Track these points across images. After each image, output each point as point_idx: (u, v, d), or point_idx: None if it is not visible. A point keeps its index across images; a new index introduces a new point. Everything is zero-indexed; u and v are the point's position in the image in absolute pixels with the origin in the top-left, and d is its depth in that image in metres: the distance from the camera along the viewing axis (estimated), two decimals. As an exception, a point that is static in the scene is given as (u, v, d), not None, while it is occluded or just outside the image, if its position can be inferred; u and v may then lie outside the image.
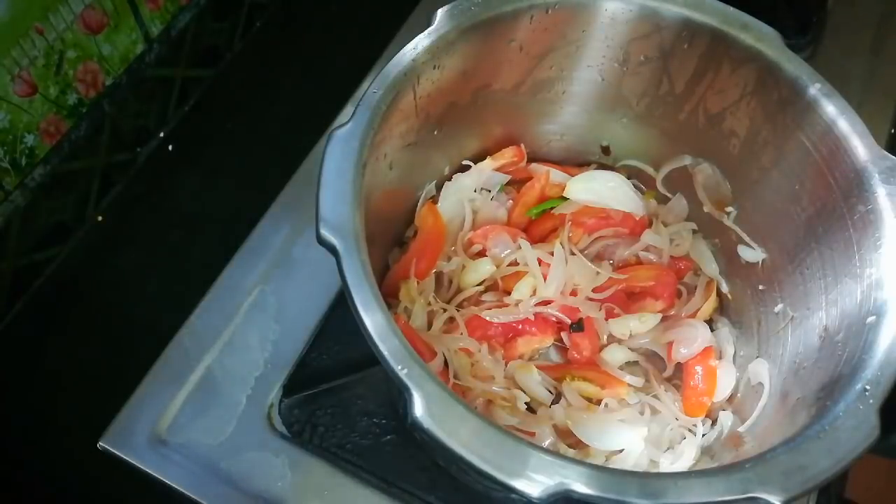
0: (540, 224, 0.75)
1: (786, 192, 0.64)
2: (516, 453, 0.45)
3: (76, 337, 0.78)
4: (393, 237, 0.73)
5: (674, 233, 0.75)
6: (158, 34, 0.85)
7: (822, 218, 0.60)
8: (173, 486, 0.66)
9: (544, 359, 0.71)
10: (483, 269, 0.70)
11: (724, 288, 0.74)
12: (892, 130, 0.90)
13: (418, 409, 0.45)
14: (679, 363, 0.70)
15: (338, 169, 0.53)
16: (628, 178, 0.76)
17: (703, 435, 0.66)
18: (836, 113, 0.58)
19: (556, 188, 0.75)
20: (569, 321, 0.69)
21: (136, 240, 0.84)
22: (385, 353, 0.47)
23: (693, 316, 0.71)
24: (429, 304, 0.69)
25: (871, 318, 0.53)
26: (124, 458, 0.67)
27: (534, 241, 0.73)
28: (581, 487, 0.44)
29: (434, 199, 0.73)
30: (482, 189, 0.75)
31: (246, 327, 0.73)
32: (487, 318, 0.68)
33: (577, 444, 0.65)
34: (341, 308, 0.74)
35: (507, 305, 0.69)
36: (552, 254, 0.70)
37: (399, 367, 0.46)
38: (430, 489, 0.66)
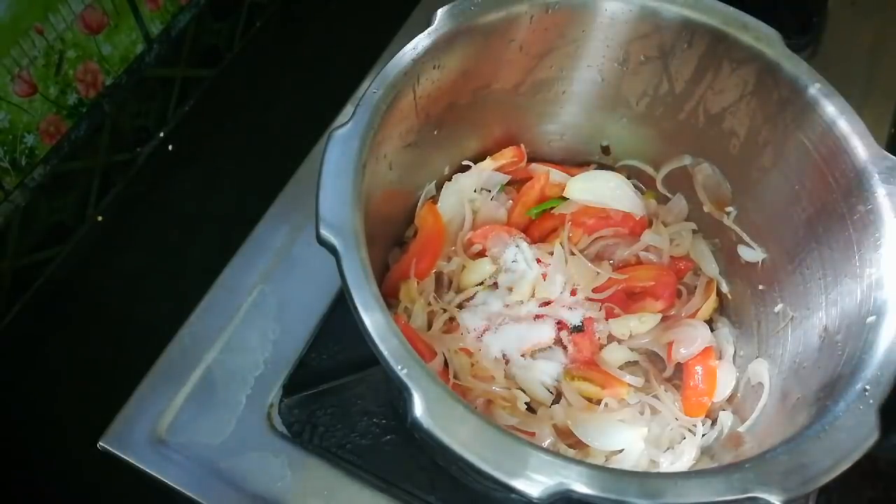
0: (540, 224, 0.75)
1: (786, 192, 0.64)
2: (516, 453, 0.45)
3: (76, 337, 0.78)
4: (393, 237, 0.73)
5: (674, 233, 0.75)
6: (158, 34, 0.85)
7: (822, 218, 0.60)
8: (173, 486, 0.66)
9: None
10: (483, 269, 0.70)
11: (724, 288, 0.74)
12: (892, 130, 0.90)
13: (418, 409, 0.45)
14: (679, 363, 0.70)
15: (337, 169, 0.53)
16: (628, 178, 0.76)
17: (703, 435, 0.66)
18: (835, 113, 0.58)
19: (556, 188, 0.75)
20: (569, 321, 0.69)
21: (136, 240, 0.84)
22: (385, 353, 0.47)
23: (693, 316, 0.71)
24: (429, 304, 0.69)
25: (871, 318, 0.53)
26: (124, 458, 0.67)
27: (534, 241, 0.73)
28: (581, 487, 0.44)
29: (434, 200, 0.73)
30: (482, 189, 0.75)
31: (246, 327, 0.73)
32: (487, 318, 0.68)
33: (577, 444, 0.65)
34: (341, 308, 0.74)
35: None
36: (552, 254, 0.70)
37: (399, 367, 0.46)
38: (430, 489, 0.66)
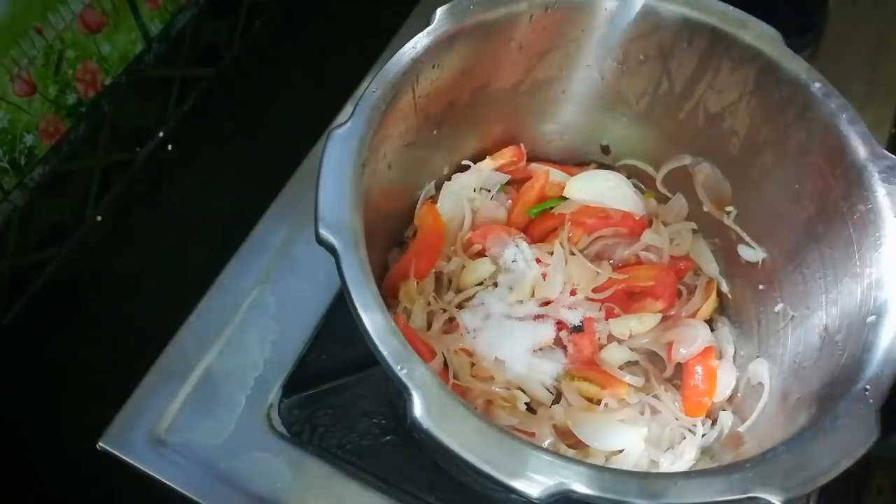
0: (540, 224, 0.75)
1: (786, 192, 0.64)
2: (516, 453, 0.45)
3: (76, 337, 0.78)
4: (392, 237, 0.73)
5: (674, 232, 0.75)
6: (158, 34, 0.85)
7: (822, 217, 0.60)
8: (173, 486, 0.66)
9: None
10: (483, 269, 0.70)
11: (724, 288, 0.74)
12: (893, 130, 0.89)
13: (418, 409, 0.45)
14: (679, 363, 0.70)
15: (337, 169, 0.53)
16: (628, 178, 0.76)
17: (703, 435, 0.66)
18: (835, 112, 0.58)
19: (555, 188, 0.75)
20: (569, 321, 0.69)
21: (136, 240, 0.84)
22: (384, 353, 0.47)
23: (693, 316, 0.71)
24: (428, 304, 0.69)
25: (871, 318, 0.53)
26: (124, 458, 0.67)
27: (534, 241, 0.73)
28: (581, 487, 0.44)
29: (433, 199, 0.73)
30: (482, 189, 0.75)
31: (246, 327, 0.73)
32: (487, 318, 0.67)
33: (577, 444, 0.64)
34: (341, 308, 0.73)
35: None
36: (552, 253, 0.70)
37: (399, 368, 0.46)
38: (430, 489, 0.66)
